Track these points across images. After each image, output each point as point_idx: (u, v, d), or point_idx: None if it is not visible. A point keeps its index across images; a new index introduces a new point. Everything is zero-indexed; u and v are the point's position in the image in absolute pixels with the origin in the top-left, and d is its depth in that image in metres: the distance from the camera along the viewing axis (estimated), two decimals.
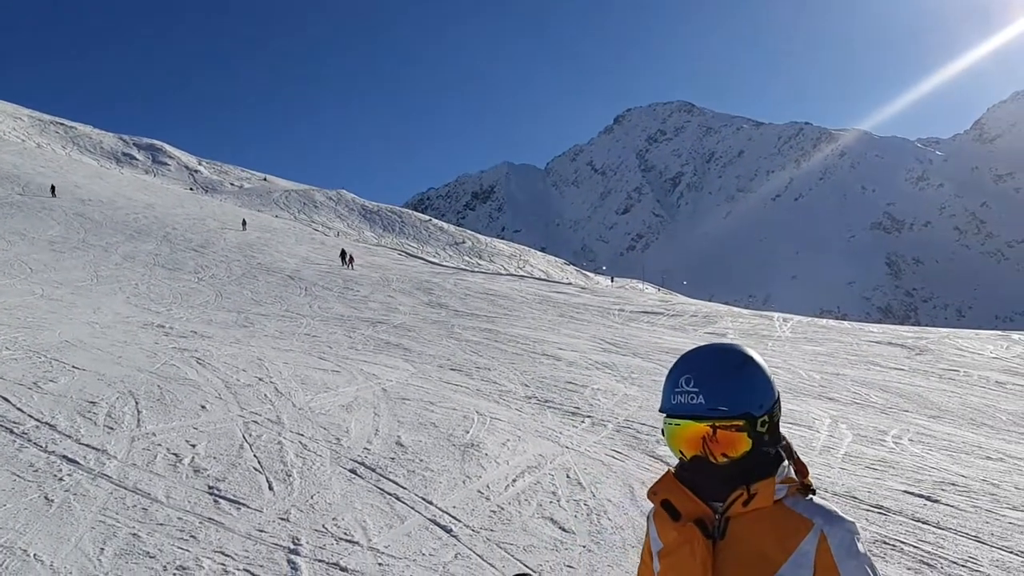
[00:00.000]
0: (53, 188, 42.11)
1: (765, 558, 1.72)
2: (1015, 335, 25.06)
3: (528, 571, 2.35)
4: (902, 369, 17.67)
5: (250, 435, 8.31)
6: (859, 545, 1.75)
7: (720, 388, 1.77)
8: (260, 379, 11.28)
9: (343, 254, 37.56)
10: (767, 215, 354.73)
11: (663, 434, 1.89)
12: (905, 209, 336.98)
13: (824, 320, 29.86)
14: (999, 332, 26.38)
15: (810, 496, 1.81)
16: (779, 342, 20.77)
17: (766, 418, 1.79)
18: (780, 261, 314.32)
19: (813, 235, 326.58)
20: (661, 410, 1.88)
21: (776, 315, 27.27)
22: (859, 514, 7.51)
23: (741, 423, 1.76)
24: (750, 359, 1.85)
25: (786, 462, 1.86)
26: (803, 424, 11.47)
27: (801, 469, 1.89)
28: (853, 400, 13.65)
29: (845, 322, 29.98)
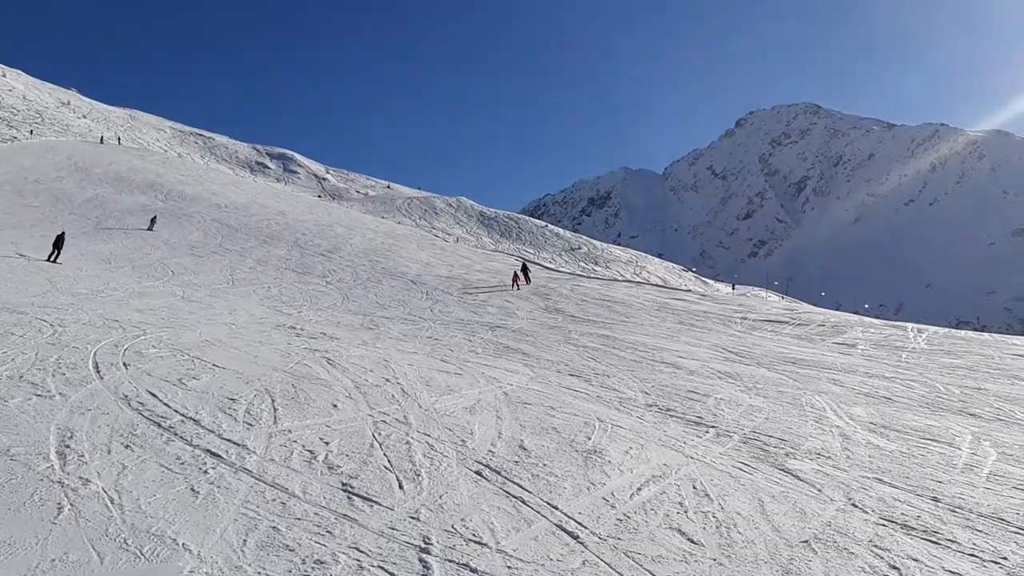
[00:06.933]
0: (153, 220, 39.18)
1: None
2: None
3: None
4: None
5: (380, 434, 8.55)
6: None
7: None
8: (387, 380, 11.58)
9: (524, 269, 34.97)
10: (899, 221, 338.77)
11: None
12: None
13: (963, 331, 28.23)
14: None
15: None
16: (914, 354, 19.76)
17: None
18: (913, 269, 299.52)
19: (949, 242, 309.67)
20: None
21: (910, 325, 25.95)
22: (1008, 537, 7.07)
23: None
24: None
25: None
26: (942, 441, 10.89)
27: None
28: (996, 416, 12.85)
29: (986, 334, 28.24)
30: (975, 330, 36.39)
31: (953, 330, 27.79)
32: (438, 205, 76.37)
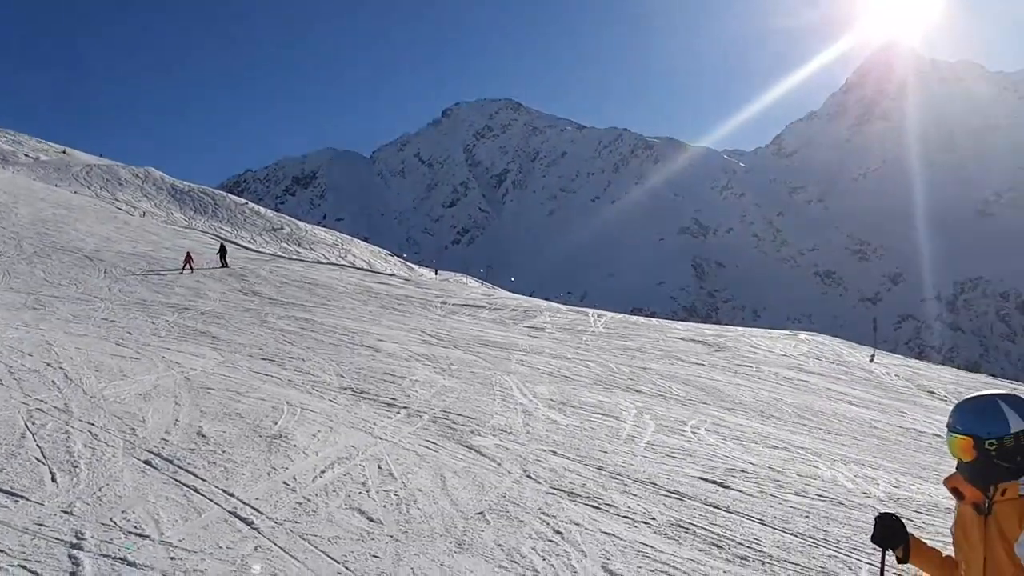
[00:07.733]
0: None
1: (1011, 531, 2.51)
2: (802, 335, 27.32)
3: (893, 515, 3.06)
4: (702, 364, 18.80)
5: (33, 423, 7.66)
6: None
7: (963, 418, 2.65)
8: (48, 364, 10.43)
9: (222, 250, 32.88)
10: (587, 215, 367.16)
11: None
12: (710, 216, 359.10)
13: (635, 317, 31.28)
14: (788, 332, 28.66)
15: None
16: (593, 336, 21.55)
17: (994, 442, 2.55)
18: (597, 260, 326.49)
19: (628, 237, 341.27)
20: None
21: (591, 311, 28.26)
22: (657, 500, 7.90)
23: (969, 440, 2.59)
24: (998, 406, 2.59)
25: None
26: (611, 415, 11.95)
27: None
28: (658, 392, 14.37)
29: (653, 319, 31.54)
30: (646, 316, 40.47)
31: (628, 316, 30.70)
32: (123, 175, 69.91)
